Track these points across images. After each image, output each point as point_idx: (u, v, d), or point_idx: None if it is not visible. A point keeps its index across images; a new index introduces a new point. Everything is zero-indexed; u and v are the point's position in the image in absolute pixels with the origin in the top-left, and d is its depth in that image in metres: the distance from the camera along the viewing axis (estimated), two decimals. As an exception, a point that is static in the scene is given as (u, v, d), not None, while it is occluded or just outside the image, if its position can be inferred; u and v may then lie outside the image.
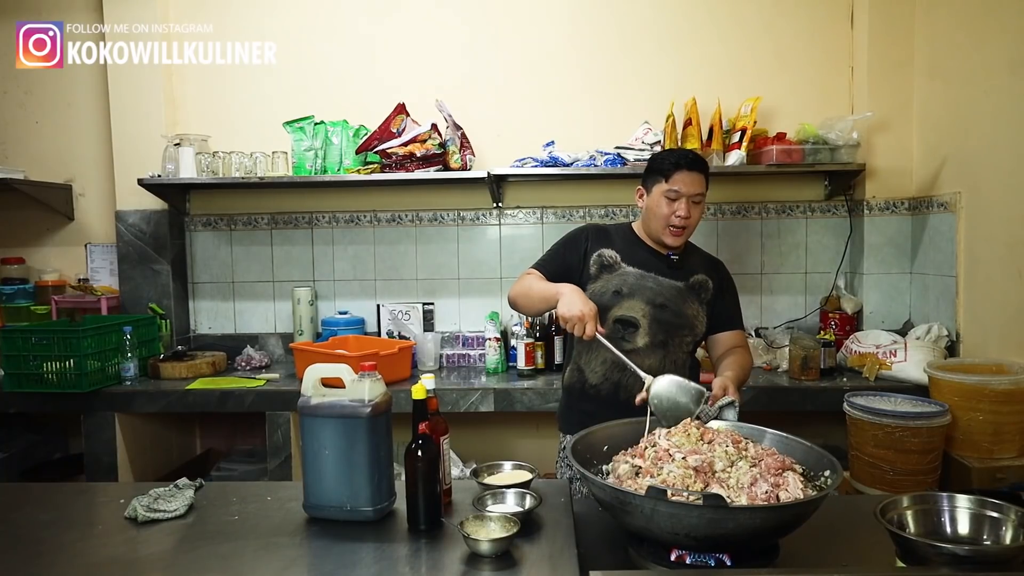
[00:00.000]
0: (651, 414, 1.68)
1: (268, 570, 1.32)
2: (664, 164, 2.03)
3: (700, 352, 2.23)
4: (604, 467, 1.53)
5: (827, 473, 1.39)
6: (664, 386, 1.70)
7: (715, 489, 1.32)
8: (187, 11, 3.39)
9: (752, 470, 1.37)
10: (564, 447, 2.13)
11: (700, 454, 1.41)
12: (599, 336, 1.79)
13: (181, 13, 3.39)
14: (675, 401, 1.67)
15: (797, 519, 1.26)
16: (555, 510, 1.56)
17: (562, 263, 2.10)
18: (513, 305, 2.10)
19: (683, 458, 1.40)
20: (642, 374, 1.74)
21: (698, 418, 1.65)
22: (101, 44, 3.34)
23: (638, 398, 1.72)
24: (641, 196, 2.11)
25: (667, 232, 2.02)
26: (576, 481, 2.02)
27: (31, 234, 3.57)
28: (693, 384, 1.70)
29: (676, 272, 2.07)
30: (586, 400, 2.06)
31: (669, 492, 1.21)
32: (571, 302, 1.82)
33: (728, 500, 1.24)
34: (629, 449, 1.54)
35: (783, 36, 3.29)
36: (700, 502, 1.19)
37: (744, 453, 1.44)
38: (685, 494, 1.26)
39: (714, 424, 1.66)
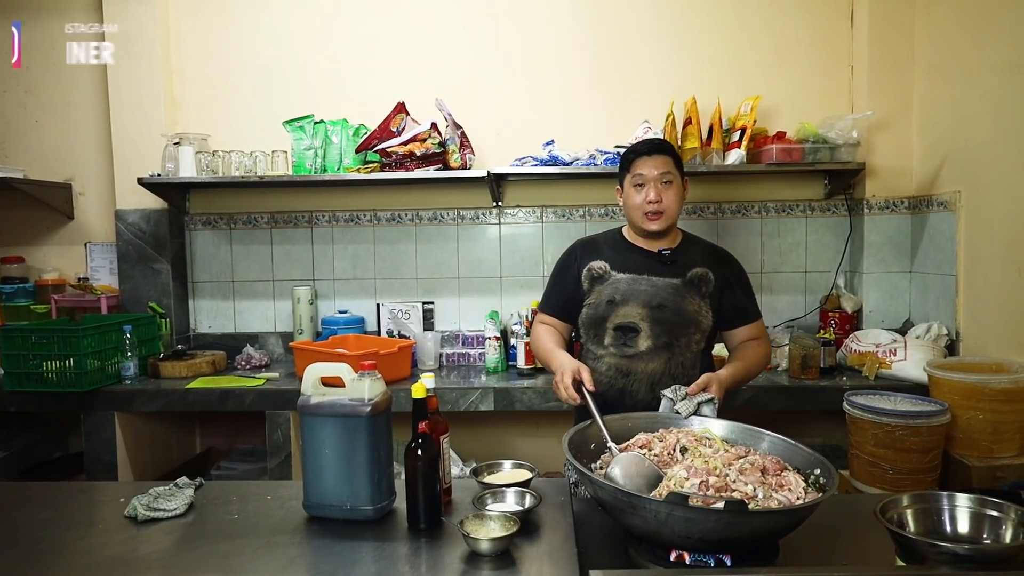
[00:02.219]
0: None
1: (268, 569, 1.32)
2: (626, 157, 2.06)
3: (721, 348, 2.23)
4: (594, 465, 1.53)
5: (817, 471, 1.40)
6: (625, 463, 1.47)
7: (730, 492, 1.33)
8: (187, 11, 3.40)
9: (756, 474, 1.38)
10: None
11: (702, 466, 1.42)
12: (586, 392, 1.77)
13: (181, 13, 3.39)
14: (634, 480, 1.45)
15: (805, 518, 1.26)
16: (555, 509, 1.56)
17: (562, 293, 2.12)
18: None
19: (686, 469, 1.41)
20: (612, 446, 1.58)
21: (677, 412, 1.69)
22: (101, 43, 3.34)
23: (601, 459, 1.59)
24: (620, 195, 2.12)
25: (644, 220, 2.00)
26: (575, 482, 2.02)
27: (31, 233, 3.57)
28: (653, 465, 1.48)
29: (671, 269, 2.03)
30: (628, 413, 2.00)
31: (691, 498, 1.21)
32: (559, 375, 1.86)
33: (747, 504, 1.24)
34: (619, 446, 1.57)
35: (783, 35, 3.28)
36: (720, 507, 1.18)
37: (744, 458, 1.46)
38: (703, 498, 1.26)
39: (695, 422, 1.67)
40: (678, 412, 1.70)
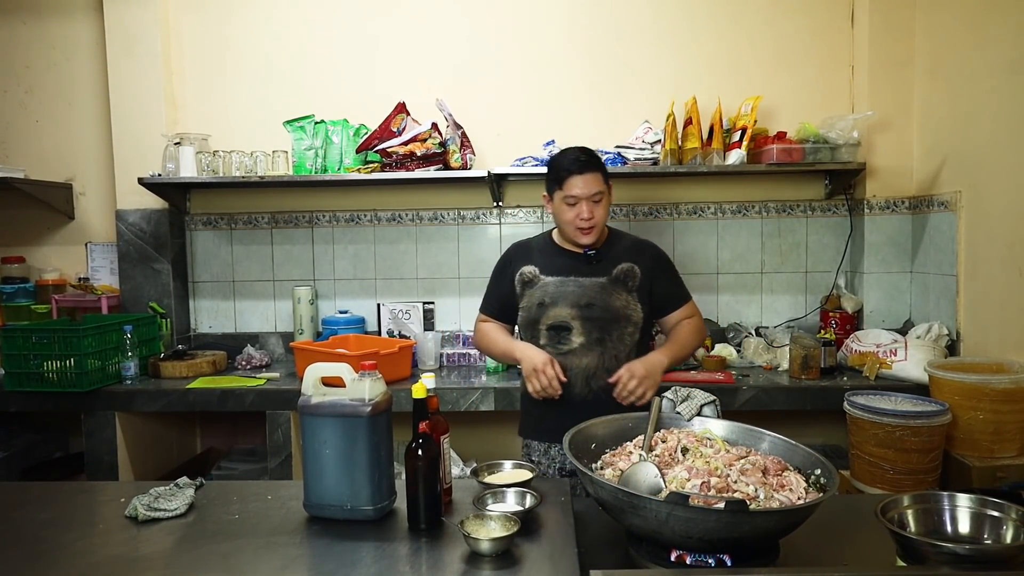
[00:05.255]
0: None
1: (268, 569, 1.32)
2: (559, 171, 2.08)
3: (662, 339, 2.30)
4: (593, 465, 1.53)
5: (818, 472, 1.40)
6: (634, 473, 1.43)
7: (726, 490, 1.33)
8: (187, 11, 3.40)
9: (757, 474, 1.38)
10: (531, 452, 2.19)
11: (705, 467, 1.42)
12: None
13: (181, 13, 3.39)
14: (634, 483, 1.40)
15: (806, 518, 1.26)
16: (555, 509, 1.56)
17: (500, 296, 2.22)
18: (483, 352, 2.29)
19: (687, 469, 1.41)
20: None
21: (678, 414, 1.70)
22: (101, 43, 3.35)
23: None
24: (548, 201, 2.16)
25: (578, 234, 2.08)
26: (573, 477, 2.02)
27: (31, 233, 3.57)
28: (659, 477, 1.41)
29: (597, 268, 2.12)
30: (566, 407, 2.01)
31: (692, 498, 1.21)
32: (528, 363, 2.01)
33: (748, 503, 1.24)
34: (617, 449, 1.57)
35: (784, 35, 3.28)
36: (721, 506, 1.18)
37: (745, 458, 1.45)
38: (704, 498, 1.26)
39: (696, 423, 1.67)
40: (679, 413, 1.71)
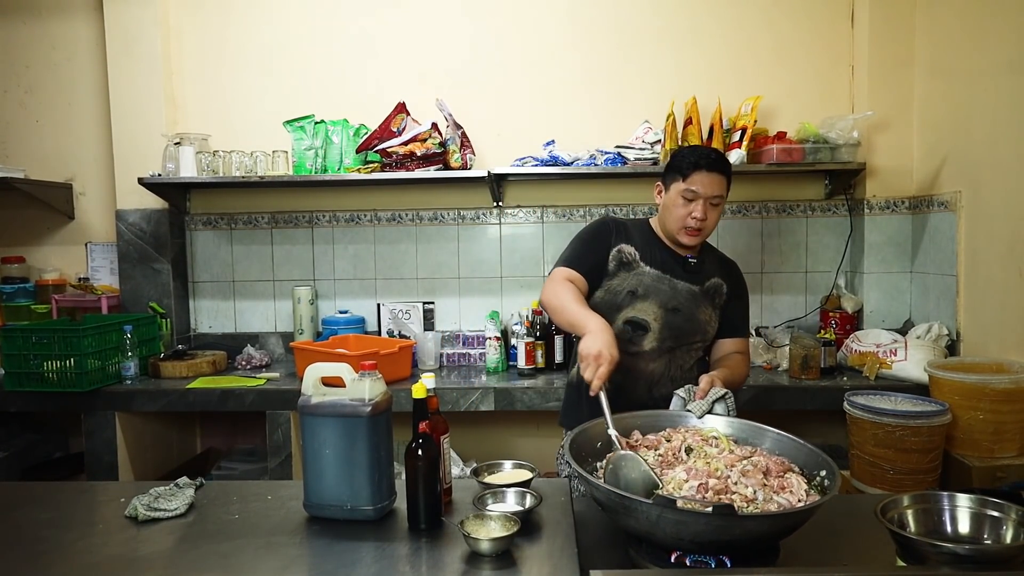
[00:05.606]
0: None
1: (268, 569, 1.32)
2: (684, 163, 1.95)
3: None
4: (598, 464, 1.52)
5: (823, 473, 1.39)
6: (621, 462, 1.46)
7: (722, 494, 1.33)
8: (187, 11, 3.40)
9: (758, 476, 1.37)
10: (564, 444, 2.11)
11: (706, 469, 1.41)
12: (601, 394, 1.63)
13: (181, 13, 3.39)
14: (628, 478, 1.43)
15: (803, 522, 1.26)
16: (555, 509, 1.56)
17: (594, 258, 1.99)
18: (546, 310, 1.96)
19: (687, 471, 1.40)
20: (616, 441, 1.54)
21: (688, 411, 1.66)
22: (101, 43, 3.35)
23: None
24: (660, 192, 2.04)
25: (682, 232, 1.96)
26: (575, 479, 2.02)
27: (31, 233, 3.57)
28: (649, 469, 1.44)
29: (693, 276, 2.01)
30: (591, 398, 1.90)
31: (678, 501, 1.21)
32: (593, 342, 1.66)
33: (738, 508, 1.23)
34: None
35: (783, 35, 3.28)
36: (709, 510, 1.17)
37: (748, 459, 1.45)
38: (694, 503, 1.25)
39: (708, 421, 1.66)
40: (689, 411, 1.67)
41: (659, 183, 2.06)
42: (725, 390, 1.72)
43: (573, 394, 2.10)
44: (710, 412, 1.69)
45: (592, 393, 1.64)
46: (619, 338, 1.84)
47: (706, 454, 1.48)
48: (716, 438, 1.55)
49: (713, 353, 2.12)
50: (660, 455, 1.50)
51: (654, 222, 2.10)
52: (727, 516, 1.15)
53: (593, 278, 1.98)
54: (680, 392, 1.75)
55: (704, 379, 1.77)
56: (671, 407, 1.75)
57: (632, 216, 3.38)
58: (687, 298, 1.97)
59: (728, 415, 1.69)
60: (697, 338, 2.00)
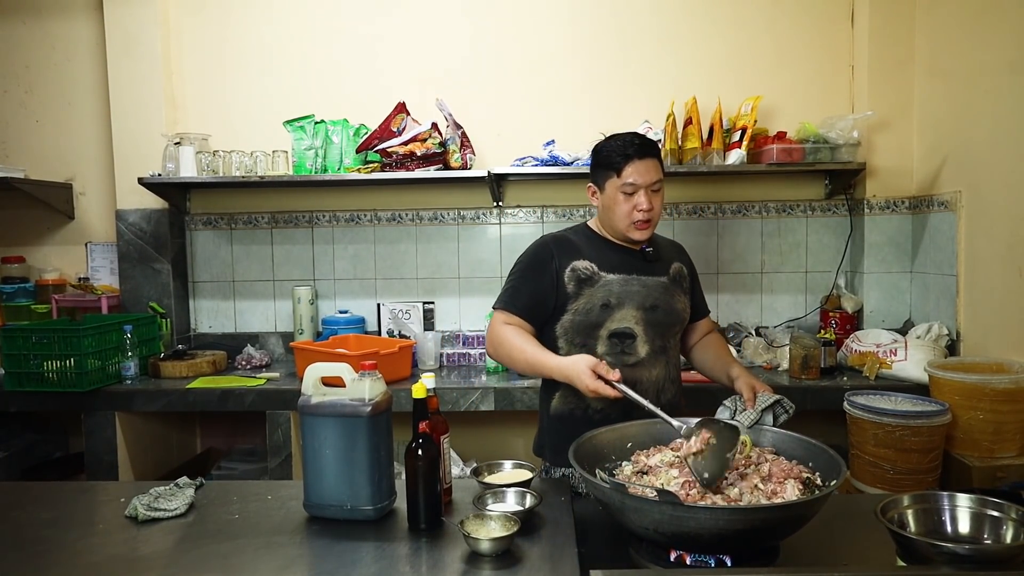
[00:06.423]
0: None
1: (268, 569, 1.32)
2: (613, 157, 1.86)
3: None
4: (623, 463, 1.55)
5: (832, 483, 1.37)
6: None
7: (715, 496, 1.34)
8: (187, 11, 3.40)
9: (759, 482, 1.38)
10: (550, 473, 1.98)
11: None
12: (622, 386, 1.59)
13: (181, 13, 3.39)
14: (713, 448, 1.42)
15: (793, 520, 1.26)
16: (555, 509, 1.56)
17: (532, 293, 1.89)
18: (497, 361, 1.94)
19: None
20: (674, 424, 1.53)
21: (737, 422, 1.58)
22: (101, 43, 3.35)
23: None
24: (594, 194, 1.95)
25: (632, 228, 1.86)
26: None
27: (31, 233, 3.57)
28: (725, 421, 1.47)
29: (656, 267, 1.94)
30: (590, 427, 1.66)
31: (628, 487, 1.25)
32: (575, 363, 1.66)
33: (682, 497, 1.27)
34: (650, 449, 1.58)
35: (783, 35, 3.28)
36: (654, 496, 1.20)
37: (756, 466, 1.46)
38: (642, 489, 1.28)
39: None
40: (738, 422, 1.59)
41: (590, 184, 1.96)
42: (776, 396, 1.67)
43: (560, 427, 1.94)
44: (759, 423, 1.64)
45: (617, 379, 1.61)
46: (610, 354, 1.83)
47: None
48: (744, 443, 1.51)
49: (687, 338, 2.11)
50: (676, 456, 1.50)
51: (594, 224, 2.01)
52: (676, 505, 1.17)
53: (539, 309, 1.89)
54: (726, 402, 1.71)
55: (744, 387, 1.72)
56: (716, 416, 1.68)
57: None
58: (660, 292, 1.91)
59: (776, 423, 1.65)
60: (677, 328, 1.97)
